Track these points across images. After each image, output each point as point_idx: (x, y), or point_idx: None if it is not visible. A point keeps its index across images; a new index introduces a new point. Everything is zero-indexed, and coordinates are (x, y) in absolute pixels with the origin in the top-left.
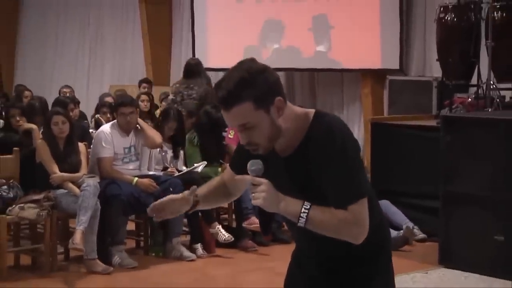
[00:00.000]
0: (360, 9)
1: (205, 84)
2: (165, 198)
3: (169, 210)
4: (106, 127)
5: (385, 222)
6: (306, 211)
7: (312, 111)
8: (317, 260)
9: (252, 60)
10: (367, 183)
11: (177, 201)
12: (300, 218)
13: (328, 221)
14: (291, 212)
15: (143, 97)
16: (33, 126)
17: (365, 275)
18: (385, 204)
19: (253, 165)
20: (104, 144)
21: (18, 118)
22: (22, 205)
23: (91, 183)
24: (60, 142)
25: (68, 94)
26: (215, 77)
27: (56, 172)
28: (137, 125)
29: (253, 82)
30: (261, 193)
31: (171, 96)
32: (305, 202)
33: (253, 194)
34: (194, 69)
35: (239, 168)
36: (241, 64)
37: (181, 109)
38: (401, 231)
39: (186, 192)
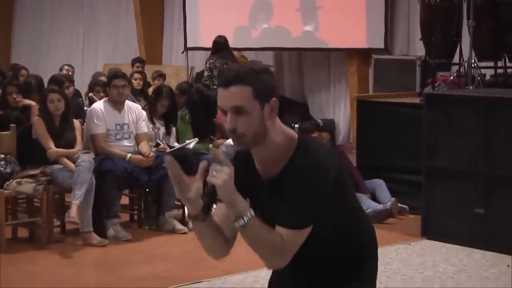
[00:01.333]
0: None
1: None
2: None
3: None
4: (98, 104)
5: (373, 231)
6: (250, 215)
7: (295, 137)
8: (302, 265)
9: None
10: (323, 219)
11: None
12: (240, 220)
13: (263, 239)
14: (237, 209)
15: (136, 75)
16: (32, 102)
17: (349, 278)
18: (379, 183)
19: (227, 147)
20: (96, 121)
21: (15, 96)
22: (19, 180)
23: (86, 159)
24: (56, 119)
25: (70, 73)
26: (205, 57)
27: (52, 148)
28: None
29: (260, 75)
30: (223, 174)
31: (206, 73)
32: (252, 209)
33: (214, 172)
34: (223, 46)
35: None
36: (253, 61)
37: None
38: (387, 203)
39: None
